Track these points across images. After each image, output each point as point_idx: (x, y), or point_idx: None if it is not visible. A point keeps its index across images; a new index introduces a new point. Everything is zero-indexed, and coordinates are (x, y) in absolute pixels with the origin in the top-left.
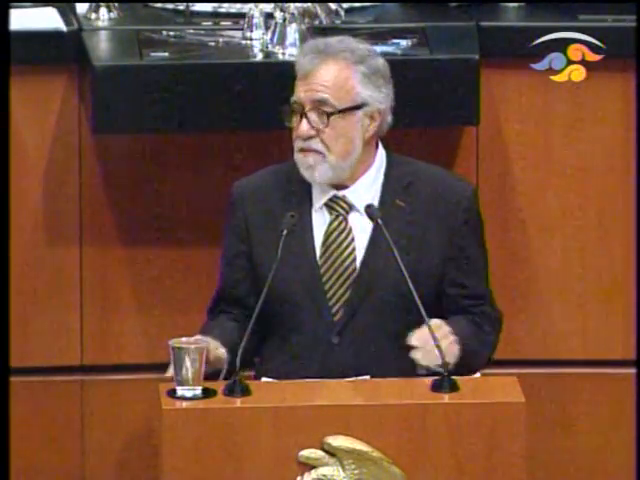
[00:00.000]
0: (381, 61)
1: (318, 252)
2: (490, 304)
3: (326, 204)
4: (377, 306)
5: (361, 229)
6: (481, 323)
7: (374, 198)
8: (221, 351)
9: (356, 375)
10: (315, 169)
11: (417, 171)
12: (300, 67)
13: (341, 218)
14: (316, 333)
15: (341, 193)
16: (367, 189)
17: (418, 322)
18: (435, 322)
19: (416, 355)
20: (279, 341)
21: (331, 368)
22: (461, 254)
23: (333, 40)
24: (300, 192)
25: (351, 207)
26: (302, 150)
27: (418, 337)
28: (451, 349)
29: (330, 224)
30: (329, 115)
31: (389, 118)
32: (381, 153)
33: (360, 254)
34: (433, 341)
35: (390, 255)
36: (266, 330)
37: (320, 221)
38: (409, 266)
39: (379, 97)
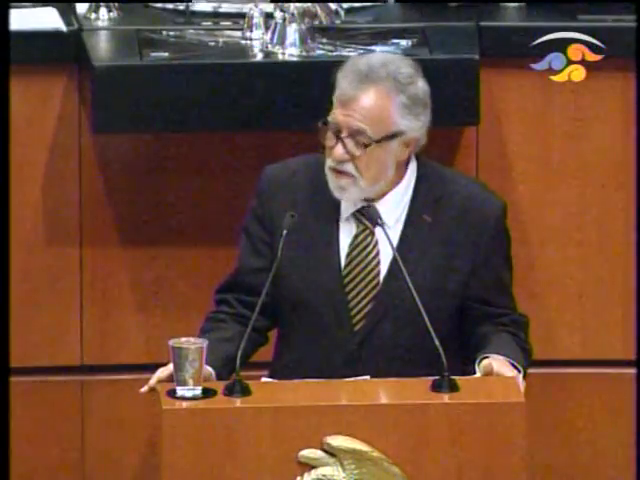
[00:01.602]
0: (421, 86)
1: (343, 262)
2: (516, 311)
3: (354, 215)
4: (398, 320)
5: (387, 243)
6: (516, 332)
7: (402, 212)
8: (208, 371)
9: None
10: (345, 191)
11: (448, 185)
12: (341, 90)
13: (368, 231)
14: (336, 342)
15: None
16: (396, 203)
17: (447, 332)
18: (496, 358)
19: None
20: (296, 346)
21: (347, 377)
22: (487, 275)
23: (376, 62)
24: (329, 197)
25: (379, 220)
26: (335, 170)
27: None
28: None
29: (357, 236)
30: (366, 145)
31: (424, 139)
32: (412, 167)
33: (384, 268)
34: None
35: (414, 272)
36: (282, 331)
37: (347, 231)
38: (433, 282)
39: (416, 126)
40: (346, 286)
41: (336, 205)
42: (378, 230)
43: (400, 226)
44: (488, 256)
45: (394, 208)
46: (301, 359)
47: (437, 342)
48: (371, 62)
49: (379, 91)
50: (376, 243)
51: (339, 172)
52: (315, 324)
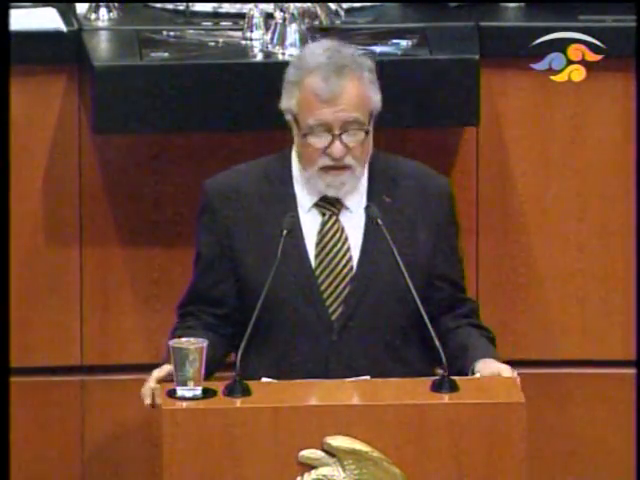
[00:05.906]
0: (368, 59)
1: (312, 253)
2: (468, 296)
3: (316, 205)
4: (375, 303)
5: (353, 228)
6: (478, 323)
7: (362, 195)
8: None
9: (358, 373)
10: (345, 185)
11: (397, 166)
12: (320, 90)
13: (334, 218)
14: (316, 334)
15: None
16: (355, 189)
17: (416, 315)
18: (486, 361)
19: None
20: (274, 345)
21: (333, 366)
22: (447, 247)
23: (334, 54)
24: (283, 193)
25: (342, 206)
26: (333, 168)
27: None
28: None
29: (324, 225)
30: (366, 132)
31: None
32: None
33: (355, 253)
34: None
35: (385, 252)
36: (255, 334)
37: (311, 222)
38: (404, 259)
39: (379, 96)
40: (319, 276)
41: (291, 200)
42: (342, 216)
43: (362, 211)
44: (446, 234)
45: (354, 192)
46: (281, 357)
47: (428, 323)
48: (331, 56)
49: (355, 77)
50: (343, 229)
51: (339, 168)
52: (292, 320)
